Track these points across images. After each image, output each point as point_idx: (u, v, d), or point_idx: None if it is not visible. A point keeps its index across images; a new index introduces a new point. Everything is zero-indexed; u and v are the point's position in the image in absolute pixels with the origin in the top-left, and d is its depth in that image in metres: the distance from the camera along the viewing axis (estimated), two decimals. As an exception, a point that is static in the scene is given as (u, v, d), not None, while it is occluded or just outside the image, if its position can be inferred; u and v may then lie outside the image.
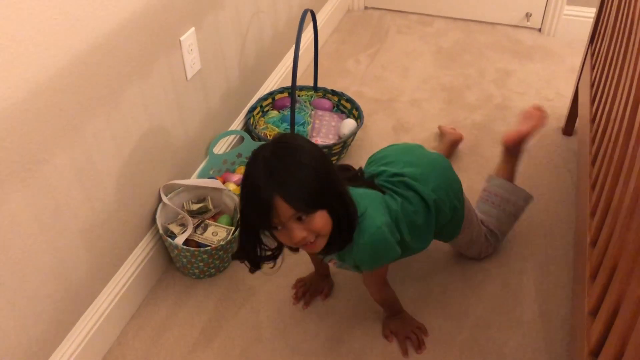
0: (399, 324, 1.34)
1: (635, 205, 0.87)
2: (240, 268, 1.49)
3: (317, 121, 1.90)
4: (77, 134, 1.11)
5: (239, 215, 1.23)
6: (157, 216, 1.42)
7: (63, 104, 1.06)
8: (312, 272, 1.46)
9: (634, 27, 1.16)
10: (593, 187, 1.21)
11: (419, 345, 1.32)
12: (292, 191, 1.00)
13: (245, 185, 1.05)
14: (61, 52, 1.03)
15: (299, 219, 1.03)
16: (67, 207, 1.13)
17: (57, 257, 1.13)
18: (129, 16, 1.19)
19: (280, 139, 1.09)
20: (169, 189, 1.47)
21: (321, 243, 1.09)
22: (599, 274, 0.98)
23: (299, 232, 1.04)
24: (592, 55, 1.69)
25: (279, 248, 1.18)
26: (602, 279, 0.95)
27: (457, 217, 1.32)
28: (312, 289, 1.43)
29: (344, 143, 1.80)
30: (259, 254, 1.15)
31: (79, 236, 1.18)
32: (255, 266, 1.17)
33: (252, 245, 1.13)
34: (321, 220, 1.05)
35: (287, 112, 1.93)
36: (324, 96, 2.02)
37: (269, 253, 1.17)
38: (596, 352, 0.90)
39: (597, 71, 1.55)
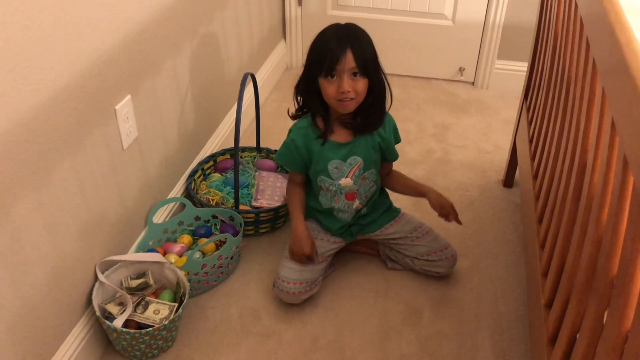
0: (439, 198, 1.53)
1: (592, 271, 0.86)
2: (185, 346, 1.39)
3: (261, 183, 1.85)
4: (1, 217, 1.02)
5: (302, 69, 1.44)
6: (93, 296, 1.31)
7: (-15, 187, 0.97)
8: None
9: (571, 88, 1.18)
10: (542, 246, 1.22)
11: (456, 216, 1.52)
12: (359, 50, 1.33)
13: (316, 44, 1.37)
14: (-17, 131, 0.95)
15: (354, 74, 1.34)
16: (-10, 298, 1.02)
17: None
18: (59, 88, 1.12)
19: (346, 23, 1.39)
20: (106, 266, 1.38)
21: (353, 105, 1.38)
22: (558, 340, 0.96)
23: (347, 84, 1.33)
24: (528, 110, 1.74)
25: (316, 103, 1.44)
26: (562, 345, 0.94)
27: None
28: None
29: (290, 205, 1.75)
30: (308, 98, 1.44)
31: (4, 330, 1.07)
32: (300, 110, 1.50)
33: (308, 88, 1.42)
34: (363, 86, 1.36)
35: (229, 175, 1.88)
36: (267, 156, 1.98)
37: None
38: None
39: (534, 127, 1.58)
